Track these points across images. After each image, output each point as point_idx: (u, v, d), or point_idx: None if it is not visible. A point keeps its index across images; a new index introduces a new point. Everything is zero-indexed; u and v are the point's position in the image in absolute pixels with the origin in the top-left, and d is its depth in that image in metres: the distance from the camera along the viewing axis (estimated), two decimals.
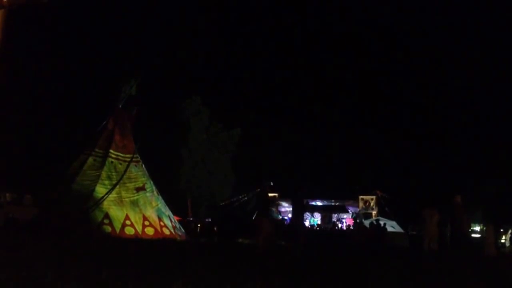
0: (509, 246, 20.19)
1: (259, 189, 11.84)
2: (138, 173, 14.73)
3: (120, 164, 14.46)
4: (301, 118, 40.43)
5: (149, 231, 13.32)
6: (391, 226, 23.90)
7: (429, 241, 13.73)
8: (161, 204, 14.71)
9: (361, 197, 30.01)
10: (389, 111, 40.16)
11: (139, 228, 13.16)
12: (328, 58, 42.73)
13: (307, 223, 28.95)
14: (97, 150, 14.53)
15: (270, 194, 31.30)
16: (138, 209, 13.68)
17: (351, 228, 26.98)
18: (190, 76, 37.75)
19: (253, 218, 26.09)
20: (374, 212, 28.67)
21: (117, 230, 12.70)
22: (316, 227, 28.05)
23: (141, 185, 14.48)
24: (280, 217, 30.24)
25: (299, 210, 12.10)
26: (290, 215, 31.30)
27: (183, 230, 15.55)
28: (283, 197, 31.75)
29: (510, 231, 20.65)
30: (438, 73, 41.40)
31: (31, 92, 26.75)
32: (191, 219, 26.31)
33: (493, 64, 38.86)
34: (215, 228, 22.13)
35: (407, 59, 41.08)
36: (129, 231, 12.89)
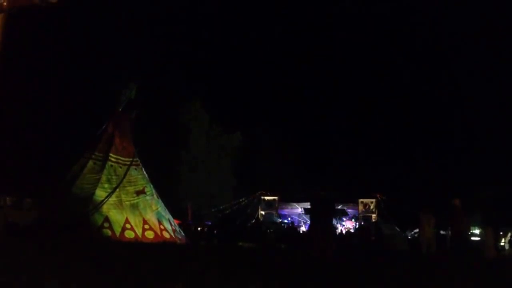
0: (508, 249, 20.19)
1: (315, 199, 11.38)
2: (138, 177, 14.76)
3: (120, 167, 14.49)
4: (301, 121, 40.41)
5: (149, 234, 13.33)
6: (390, 229, 23.91)
7: (426, 245, 13.78)
8: (161, 208, 14.73)
9: (360, 200, 30.06)
10: (389, 114, 40.18)
11: (139, 231, 13.17)
12: (328, 61, 42.80)
13: (303, 228, 28.98)
14: (97, 153, 14.56)
15: (269, 198, 31.55)
16: (138, 213, 13.70)
17: (351, 231, 27.02)
18: (190, 79, 37.80)
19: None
20: (373, 215, 28.73)
21: (117, 234, 12.70)
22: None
23: (141, 188, 14.51)
24: (280, 220, 30.27)
25: (327, 213, 11.36)
26: (290, 219, 31.38)
27: (183, 234, 15.57)
28: (283, 200, 31.79)
29: (509, 234, 20.66)
30: (438, 78, 41.47)
31: (30, 96, 26.79)
32: (191, 222, 26.31)
33: (492, 69, 38.92)
34: (215, 231, 22.15)
35: (404, 64, 41.16)
36: (129, 234, 12.90)
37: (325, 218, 10.97)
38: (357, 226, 27.55)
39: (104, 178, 13.96)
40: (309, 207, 29.47)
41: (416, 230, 22.26)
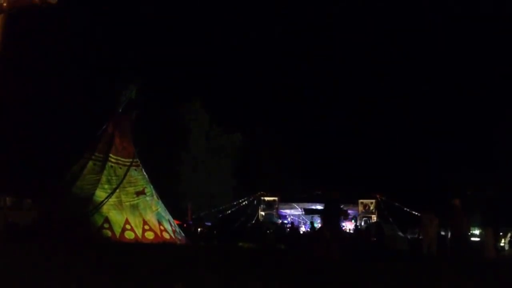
0: (508, 249, 20.20)
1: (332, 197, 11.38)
2: (138, 177, 14.77)
3: (120, 168, 14.49)
4: (300, 121, 40.44)
5: (149, 235, 13.34)
6: (391, 230, 23.92)
7: (428, 245, 13.77)
8: (161, 208, 14.73)
9: (360, 200, 30.07)
10: (389, 114, 40.21)
11: (139, 232, 13.17)
12: (328, 61, 42.82)
13: (303, 228, 29.00)
14: (97, 154, 14.57)
15: (269, 198, 31.56)
16: (138, 213, 13.70)
17: (351, 231, 27.04)
18: (190, 79, 37.82)
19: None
20: (373, 216, 28.72)
21: (117, 234, 12.71)
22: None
23: (141, 189, 14.51)
24: (280, 221, 30.28)
25: (335, 214, 11.30)
26: (290, 219, 31.40)
27: (183, 234, 15.58)
28: (284, 201, 31.78)
29: (509, 234, 20.67)
30: (438, 78, 41.51)
31: (30, 96, 26.79)
32: (191, 222, 26.32)
33: (493, 68, 38.90)
34: (215, 232, 22.18)
35: (404, 64, 41.10)
36: (129, 235, 12.91)
37: (334, 218, 10.98)
38: (358, 227, 27.50)
39: (104, 178, 13.97)
40: (309, 207, 29.50)
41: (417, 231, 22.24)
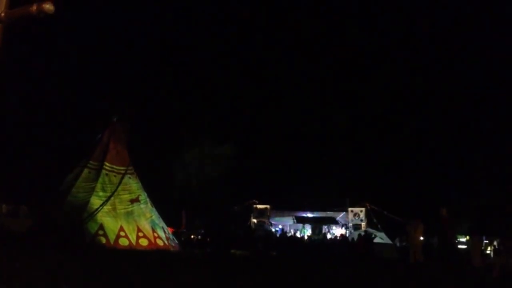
0: (493, 257, 20.61)
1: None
2: (133, 185, 14.98)
3: (115, 176, 14.70)
4: (294, 130, 40.78)
5: (143, 242, 13.54)
6: (380, 238, 24.29)
7: (414, 253, 14.09)
8: (155, 216, 14.94)
9: (350, 209, 30.41)
10: (378, 124, 40.63)
11: (133, 239, 13.37)
12: (319, 71, 43.18)
13: (298, 234, 29.33)
14: (92, 162, 14.79)
15: (261, 206, 31.80)
16: (132, 220, 13.90)
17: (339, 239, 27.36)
18: (184, 89, 38.01)
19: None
20: (363, 224, 29.05)
21: (111, 241, 12.90)
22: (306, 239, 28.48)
23: (135, 196, 14.73)
24: (272, 228, 30.55)
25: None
26: (281, 226, 31.66)
27: (176, 241, 15.79)
28: (275, 208, 32.05)
29: (495, 242, 21.08)
30: (426, 86, 41.94)
31: (26, 103, 26.92)
32: (185, 230, 26.47)
33: (483, 74, 39.34)
34: (208, 239, 22.36)
35: (392, 74, 41.41)
36: (123, 242, 13.10)
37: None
38: (347, 235, 27.80)
39: (99, 186, 14.17)
40: (300, 215, 29.71)
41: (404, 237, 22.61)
